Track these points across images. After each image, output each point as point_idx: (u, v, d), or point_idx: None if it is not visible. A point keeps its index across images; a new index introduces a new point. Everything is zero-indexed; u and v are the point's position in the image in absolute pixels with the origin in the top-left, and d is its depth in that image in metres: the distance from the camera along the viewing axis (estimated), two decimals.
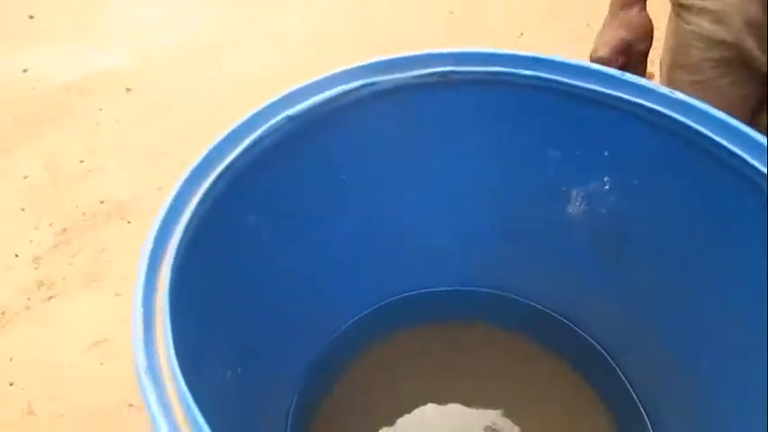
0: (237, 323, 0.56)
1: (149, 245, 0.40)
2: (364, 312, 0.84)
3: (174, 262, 0.41)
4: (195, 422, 0.32)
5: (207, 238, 0.47)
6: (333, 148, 0.58)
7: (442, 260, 0.79)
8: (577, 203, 0.65)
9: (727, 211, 0.49)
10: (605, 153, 0.57)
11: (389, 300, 0.85)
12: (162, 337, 0.37)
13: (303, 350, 0.79)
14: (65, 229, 1.35)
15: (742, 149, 0.46)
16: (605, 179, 0.60)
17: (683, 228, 0.57)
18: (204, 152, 0.47)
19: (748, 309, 0.53)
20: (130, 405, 1.01)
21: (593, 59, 0.67)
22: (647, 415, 0.73)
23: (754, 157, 0.46)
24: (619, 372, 0.77)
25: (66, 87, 1.72)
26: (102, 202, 1.40)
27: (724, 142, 0.46)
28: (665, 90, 0.49)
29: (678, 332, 0.66)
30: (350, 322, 0.83)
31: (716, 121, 0.47)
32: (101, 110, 1.65)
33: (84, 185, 1.45)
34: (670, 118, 0.49)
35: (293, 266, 0.64)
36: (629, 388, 0.75)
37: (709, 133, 0.47)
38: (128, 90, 1.72)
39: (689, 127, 0.48)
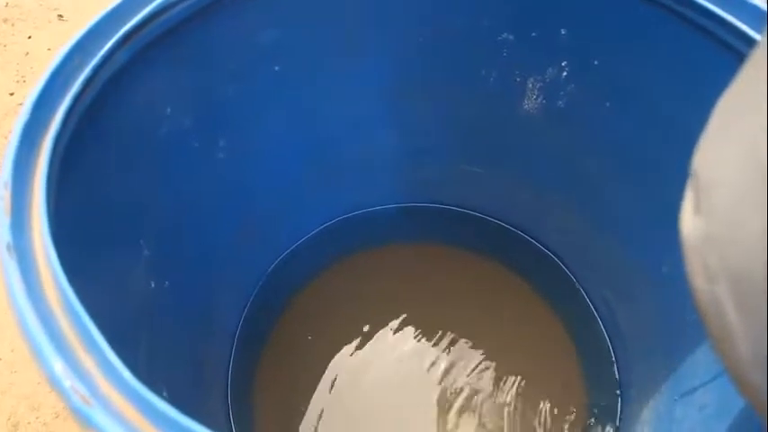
0: (155, 230, 0.50)
1: (27, 111, 0.34)
2: (310, 234, 0.79)
3: (60, 135, 0.34)
4: (69, 304, 0.27)
5: (111, 119, 0.41)
6: (261, 24, 0.51)
7: (388, 173, 0.74)
8: (534, 97, 0.59)
9: (706, 89, 0.44)
10: (562, 31, 0.52)
11: (335, 220, 0.80)
12: (37, 214, 0.30)
13: (246, 273, 0.74)
14: None
15: (723, 8, 0.41)
16: (563, 63, 0.54)
17: (646, 116, 0.52)
18: (100, 16, 0.40)
19: None
20: None
21: None
22: (606, 330, 0.70)
23: (736, 18, 0.41)
24: (578, 285, 0.74)
25: None
26: None
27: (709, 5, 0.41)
28: None
29: (639, 237, 0.62)
30: (296, 245, 0.78)
31: None
32: (30, 38, 1.53)
33: (17, 119, 1.34)
34: None
35: (223, 170, 0.57)
36: (589, 302, 0.73)
37: None
38: (60, 17, 1.59)
39: None
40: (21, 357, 0.94)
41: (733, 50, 0.42)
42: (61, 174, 0.34)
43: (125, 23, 0.40)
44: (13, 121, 1.35)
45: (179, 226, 0.53)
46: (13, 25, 1.54)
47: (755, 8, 0.42)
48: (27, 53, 1.48)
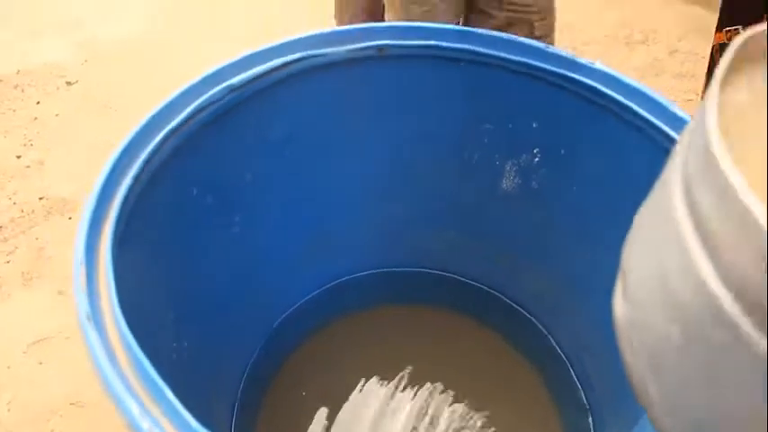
0: (180, 295, 0.56)
1: (92, 203, 0.41)
2: (307, 297, 0.85)
3: (119, 220, 0.42)
4: (139, 364, 0.33)
5: (151, 202, 0.48)
6: (275, 121, 0.59)
7: (380, 241, 0.82)
8: (511, 177, 0.68)
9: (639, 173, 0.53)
10: (534, 125, 0.61)
11: (331, 284, 0.86)
12: (105, 288, 0.37)
13: (250, 333, 0.80)
14: (0, 227, 1.31)
15: (653, 114, 0.50)
16: (535, 150, 0.63)
17: (601, 194, 0.61)
18: (146, 118, 0.48)
19: None
20: (72, 403, 0.99)
21: None
22: (580, 382, 0.77)
23: (662, 122, 0.50)
24: (554, 343, 0.81)
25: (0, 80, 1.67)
26: (41, 199, 1.37)
27: (635, 107, 0.50)
28: (584, 61, 0.53)
29: (603, 295, 0.69)
30: (293, 308, 0.85)
31: (628, 87, 0.52)
32: (38, 103, 1.61)
33: (22, 182, 1.40)
34: (588, 86, 0.53)
35: (236, 242, 0.65)
36: (564, 359, 0.79)
37: (622, 98, 0.51)
38: (69, 83, 1.68)
39: (605, 94, 0.52)
40: (17, 418, 0.98)
41: (661, 149, 0.51)
42: (118, 252, 0.41)
43: (164, 127, 0.48)
44: (19, 183, 1.41)
45: (197, 291, 0.60)
46: (22, 91, 1.63)
47: (680, 117, 0.51)
48: (35, 118, 1.55)
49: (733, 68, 0.24)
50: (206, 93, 0.52)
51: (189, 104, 0.50)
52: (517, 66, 0.56)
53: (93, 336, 0.34)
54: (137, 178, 0.44)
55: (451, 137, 0.67)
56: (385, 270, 0.88)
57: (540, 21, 0.87)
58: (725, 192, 0.19)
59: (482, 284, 0.86)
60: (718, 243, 0.20)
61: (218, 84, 0.52)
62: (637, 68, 1.64)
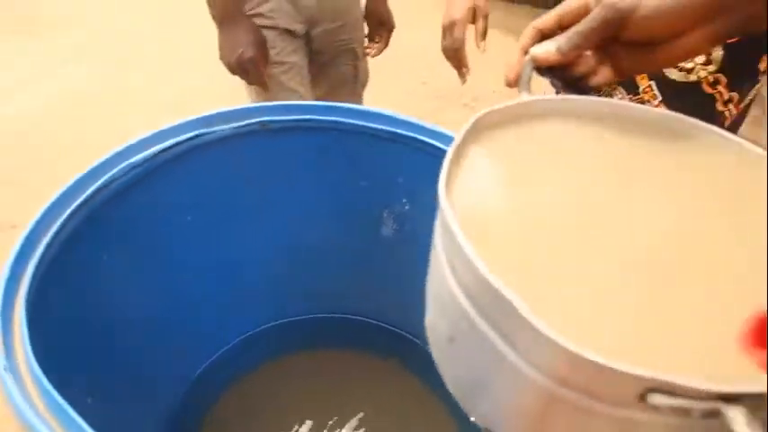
0: (95, 353, 0.63)
1: (4, 275, 0.48)
2: (223, 349, 0.92)
3: (30, 288, 0.49)
4: (52, 400, 0.40)
5: (62, 270, 0.55)
6: (175, 192, 0.68)
7: (286, 292, 0.90)
8: (389, 224, 0.79)
9: None
10: (400, 179, 0.72)
11: (247, 335, 0.93)
12: (20, 345, 0.44)
13: (169, 387, 0.85)
14: None
15: None
16: (404, 200, 0.75)
17: None
18: (54, 196, 0.55)
19: None
20: None
21: None
22: None
23: None
24: None
25: None
26: None
27: None
28: (428, 125, 0.66)
29: None
30: (210, 360, 0.91)
31: None
32: None
33: None
34: (434, 146, 0.65)
35: (150, 301, 0.71)
36: None
37: None
38: None
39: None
40: None
41: None
42: (33, 314, 0.48)
43: (72, 203, 0.56)
44: None
45: (112, 349, 0.66)
46: None
47: None
48: None
49: (463, 145, 0.36)
50: (109, 171, 0.60)
51: (95, 181, 0.58)
52: (377, 132, 0.68)
53: (9, 381, 0.40)
54: (48, 247, 0.52)
55: (335, 194, 0.78)
56: (297, 318, 0.95)
57: (359, 47, 1.16)
58: (451, 235, 0.30)
59: (390, 326, 0.94)
60: (453, 264, 0.31)
61: (119, 163, 0.61)
62: None
